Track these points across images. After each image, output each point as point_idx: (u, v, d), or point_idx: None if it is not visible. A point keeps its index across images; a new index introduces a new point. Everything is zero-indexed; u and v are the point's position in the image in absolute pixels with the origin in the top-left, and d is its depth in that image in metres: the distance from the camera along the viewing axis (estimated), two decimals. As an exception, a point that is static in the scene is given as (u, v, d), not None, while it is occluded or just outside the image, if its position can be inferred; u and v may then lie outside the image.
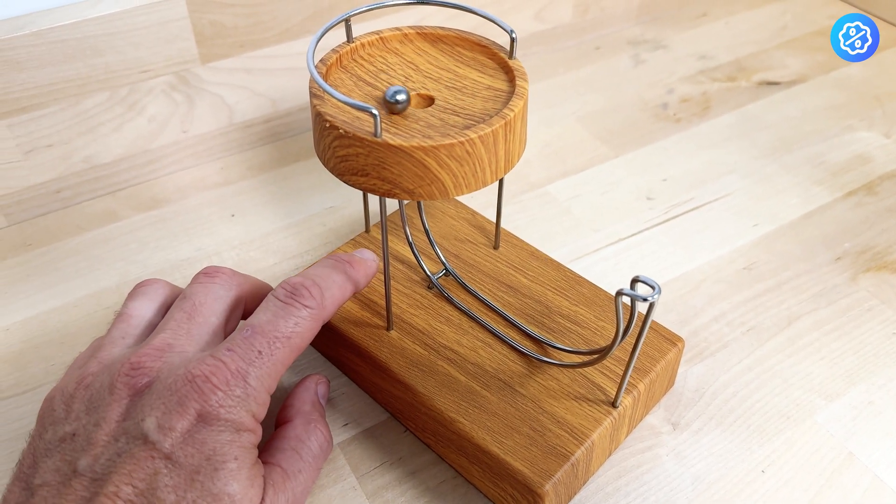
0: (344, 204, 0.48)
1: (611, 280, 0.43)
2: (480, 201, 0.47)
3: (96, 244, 0.45)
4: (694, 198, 0.49)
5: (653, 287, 0.27)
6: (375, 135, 0.28)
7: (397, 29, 0.34)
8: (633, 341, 0.31)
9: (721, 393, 0.38)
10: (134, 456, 0.26)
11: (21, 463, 0.28)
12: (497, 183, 0.38)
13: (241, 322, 0.34)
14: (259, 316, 0.30)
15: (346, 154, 0.30)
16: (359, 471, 0.34)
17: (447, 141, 0.28)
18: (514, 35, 0.32)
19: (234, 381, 0.27)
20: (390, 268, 0.39)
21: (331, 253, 0.38)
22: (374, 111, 0.28)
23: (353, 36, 0.34)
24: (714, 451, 0.35)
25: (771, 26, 0.65)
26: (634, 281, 0.28)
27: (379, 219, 0.33)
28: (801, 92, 0.58)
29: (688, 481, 0.34)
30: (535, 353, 0.35)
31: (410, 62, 0.34)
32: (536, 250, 0.40)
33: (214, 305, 0.31)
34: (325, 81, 0.31)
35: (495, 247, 0.41)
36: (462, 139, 0.29)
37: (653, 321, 0.37)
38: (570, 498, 0.33)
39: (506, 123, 0.29)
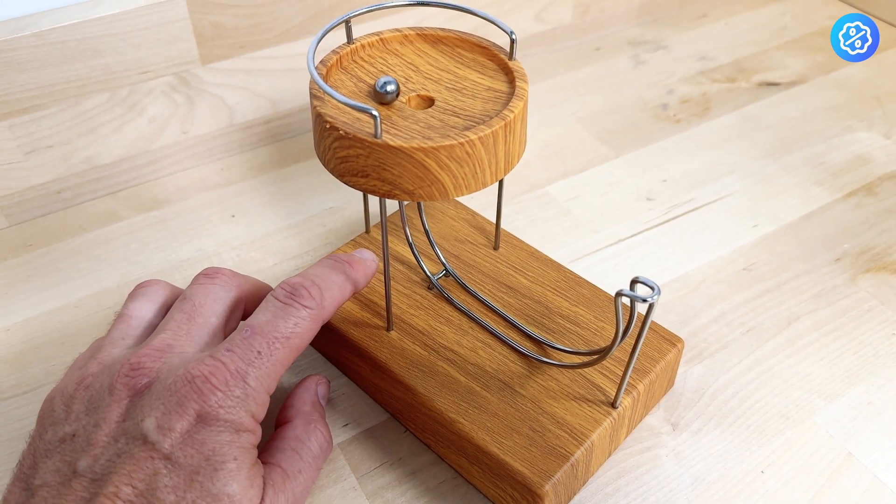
0: (344, 205, 0.48)
1: (611, 281, 0.43)
2: (480, 202, 0.47)
3: (97, 245, 0.45)
4: (694, 198, 0.49)
5: (652, 288, 0.28)
6: (376, 136, 0.28)
7: (397, 30, 0.35)
8: (633, 342, 0.31)
9: (721, 393, 0.38)
10: (133, 456, 0.26)
11: (21, 463, 0.28)
12: (497, 183, 0.38)
13: (241, 322, 0.34)
14: (258, 316, 0.30)
15: (347, 155, 0.30)
16: (359, 471, 0.35)
17: (447, 142, 0.28)
18: (513, 36, 0.32)
19: (234, 382, 0.27)
20: (390, 268, 0.39)
21: (331, 253, 0.38)
22: (375, 112, 0.28)
23: (354, 37, 0.34)
24: (714, 452, 0.35)
25: (771, 27, 0.65)
26: (634, 282, 0.28)
27: (379, 219, 0.33)
28: (801, 93, 0.58)
29: (687, 482, 0.34)
30: (534, 353, 0.35)
31: (410, 63, 0.34)
32: (536, 251, 0.40)
33: (214, 306, 0.31)
34: (326, 82, 0.31)
35: (495, 247, 0.41)
36: (462, 140, 0.29)
37: (652, 322, 0.37)
38: (570, 498, 0.33)
39: (506, 125, 0.30)
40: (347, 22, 0.33)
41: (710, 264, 0.44)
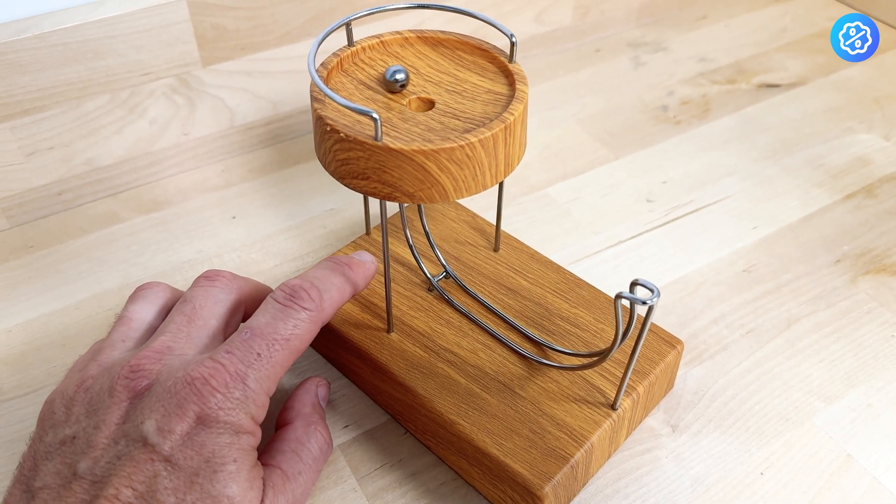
0: (344, 206, 0.48)
1: (611, 282, 0.43)
2: (481, 203, 0.47)
3: (98, 246, 0.46)
4: (694, 200, 0.49)
5: (652, 290, 0.28)
6: (376, 138, 0.29)
7: (398, 33, 0.35)
8: (633, 344, 0.31)
9: (720, 395, 0.38)
10: (133, 458, 0.26)
11: (21, 466, 0.28)
12: (497, 185, 0.38)
13: (241, 325, 0.34)
14: (258, 318, 0.30)
15: (347, 157, 0.30)
16: (359, 472, 0.35)
17: (447, 145, 0.29)
18: (514, 39, 0.32)
19: (233, 384, 0.27)
20: (390, 270, 0.39)
21: (330, 255, 0.38)
22: (375, 115, 0.28)
23: (354, 39, 0.34)
24: (713, 454, 0.35)
25: (771, 28, 0.65)
26: (633, 284, 0.28)
27: (379, 221, 0.33)
28: (801, 94, 0.58)
29: (687, 483, 0.34)
30: (534, 355, 0.35)
31: (411, 66, 0.34)
32: (536, 253, 0.40)
33: (214, 309, 0.31)
34: (326, 85, 0.31)
35: (495, 249, 0.41)
36: (462, 143, 0.29)
37: (652, 323, 0.37)
38: (570, 500, 0.33)
39: (506, 127, 0.30)
40: (348, 24, 0.33)
41: (710, 266, 0.44)
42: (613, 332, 0.36)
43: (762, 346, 0.40)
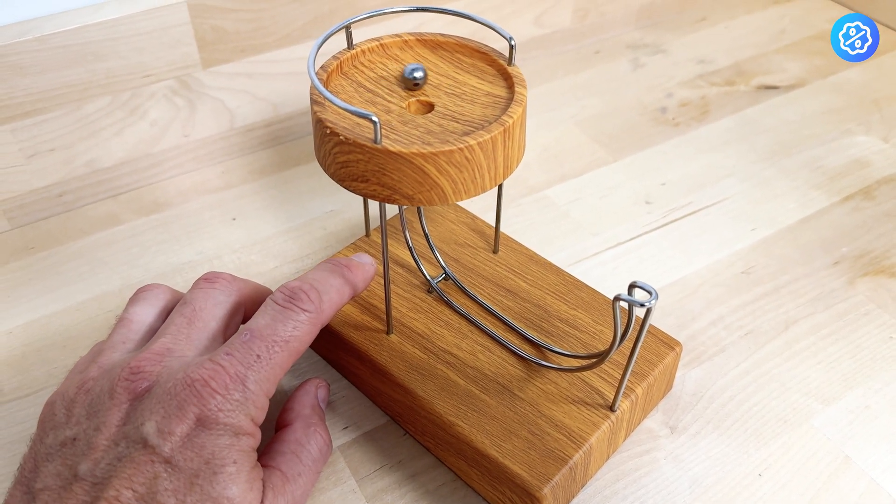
0: (344, 208, 0.48)
1: (609, 284, 0.43)
2: (480, 205, 0.47)
3: (98, 248, 0.46)
4: (692, 202, 0.49)
5: (650, 292, 0.28)
6: (375, 141, 0.29)
7: (397, 35, 0.35)
8: (631, 346, 0.31)
9: (718, 397, 0.38)
10: (134, 460, 0.26)
11: (22, 467, 0.28)
12: (496, 187, 0.38)
13: (241, 326, 0.35)
14: (258, 320, 0.30)
15: (347, 160, 0.30)
16: (358, 474, 0.35)
17: (446, 147, 0.29)
18: (512, 42, 0.32)
19: (233, 385, 0.28)
20: (390, 272, 0.39)
21: (330, 257, 0.38)
22: (375, 118, 0.28)
23: (354, 42, 0.34)
24: (711, 455, 0.35)
25: (770, 30, 0.65)
26: (632, 286, 0.28)
27: (379, 223, 0.34)
28: (800, 96, 0.58)
29: (685, 484, 0.34)
30: (533, 357, 0.35)
31: (410, 68, 0.34)
32: (535, 254, 0.41)
33: (214, 310, 0.32)
34: (326, 88, 0.31)
35: (494, 251, 0.41)
36: (461, 146, 0.29)
37: (650, 325, 0.37)
38: (569, 501, 0.33)
39: (504, 130, 0.30)
40: (348, 27, 0.33)
41: (709, 267, 0.44)
42: (612, 334, 0.36)
43: (760, 347, 0.40)
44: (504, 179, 0.31)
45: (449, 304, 0.38)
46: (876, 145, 0.53)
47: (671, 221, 0.47)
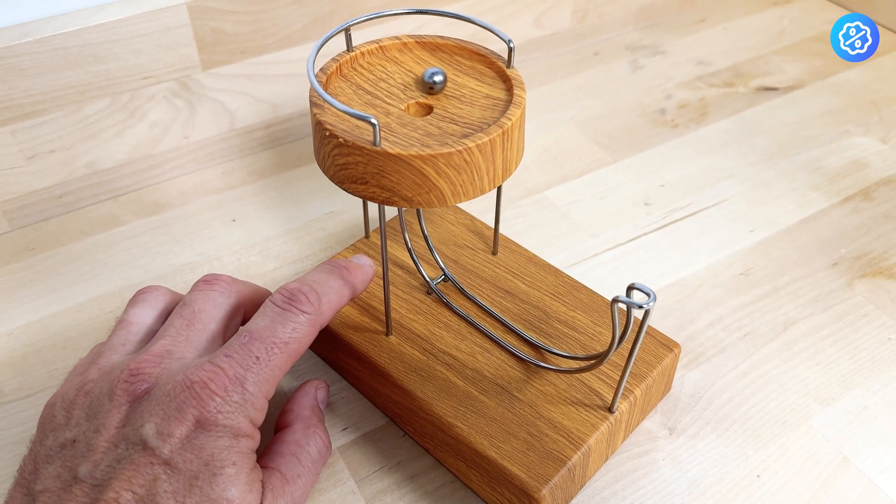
0: (344, 209, 0.48)
1: (608, 285, 0.43)
2: (479, 206, 0.48)
3: (98, 249, 0.46)
4: (691, 203, 0.49)
5: (648, 294, 0.28)
6: (374, 144, 0.29)
7: (396, 38, 0.35)
8: (630, 347, 0.31)
9: (717, 398, 0.38)
10: (133, 462, 0.26)
11: (22, 469, 0.28)
12: (496, 188, 0.38)
13: (240, 328, 0.35)
14: (257, 322, 0.30)
15: (346, 162, 0.30)
16: (358, 475, 0.35)
17: (445, 150, 0.29)
18: (511, 44, 0.32)
19: (232, 387, 0.28)
20: (389, 273, 0.39)
21: (330, 258, 0.38)
22: (374, 120, 0.28)
23: (353, 45, 0.34)
24: (710, 456, 0.35)
25: (769, 32, 0.66)
26: (630, 288, 0.28)
27: (378, 224, 0.34)
28: (799, 97, 0.58)
29: (684, 486, 0.34)
30: (532, 358, 0.35)
31: (410, 71, 0.34)
32: (534, 256, 0.41)
33: (213, 312, 0.32)
34: (325, 90, 0.32)
35: (494, 252, 0.41)
36: (460, 148, 0.29)
37: (649, 326, 0.37)
38: (567, 502, 0.33)
39: (503, 132, 0.30)
40: (347, 30, 0.33)
41: (708, 269, 0.44)
42: (611, 336, 0.36)
43: (759, 348, 0.40)
44: (503, 181, 0.32)
45: (448, 306, 0.38)
46: (874, 146, 0.53)
47: (670, 223, 0.47)
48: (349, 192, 0.31)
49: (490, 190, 0.31)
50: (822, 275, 0.44)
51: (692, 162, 0.52)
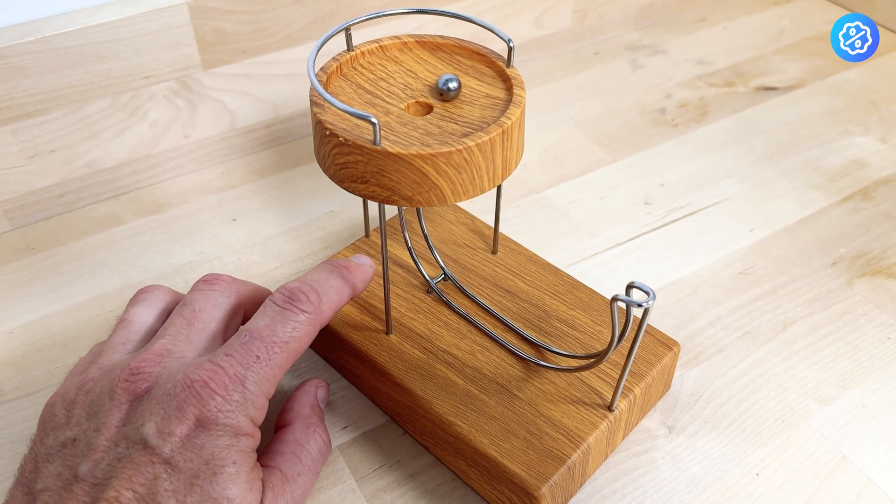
0: (344, 208, 0.48)
1: (608, 284, 0.43)
2: (479, 206, 0.48)
3: (99, 248, 0.46)
4: (691, 202, 0.49)
5: (647, 293, 0.28)
6: (375, 143, 0.29)
7: (397, 37, 0.35)
8: (629, 346, 0.31)
9: (716, 397, 0.38)
10: (134, 461, 0.26)
11: (23, 468, 0.29)
12: (495, 188, 0.38)
13: (241, 327, 0.35)
14: (257, 321, 0.30)
15: (346, 161, 0.30)
16: (358, 473, 0.35)
17: (445, 149, 0.29)
18: (511, 44, 0.32)
19: (233, 386, 0.28)
20: (389, 272, 0.39)
21: (330, 257, 0.38)
22: (374, 119, 0.28)
23: (353, 44, 0.34)
24: (709, 455, 0.36)
25: (769, 31, 0.66)
26: (630, 287, 0.28)
27: (378, 223, 0.34)
28: (799, 97, 0.58)
29: (683, 484, 0.34)
30: (532, 357, 0.35)
31: (410, 70, 0.34)
32: (534, 255, 0.41)
33: (213, 312, 0.32)
34: (326, 90, 0.32)
35: (493, 251, 0.41)
36: (460, 147, 0.29)
37: (649, 325, 0.37)
38: (567, 500, 0.34)
39: (503, 132, 0.30)
40: (347, 29, 0.34)
41: (707, 268, 0.45)
42: (610, 334, 0.36)
43: (758, 348, 0.40)
44: (503, 181, 0.32)
45: (448, 305, 0.38)
46: (874, 146, 0.53)
47: (670, 222, 0.48)
48: (349, 192, 0.31)
49: (490, 189, 0.31)
50: (822, 274, 0.44)
51: (692, 161, 0.52)
